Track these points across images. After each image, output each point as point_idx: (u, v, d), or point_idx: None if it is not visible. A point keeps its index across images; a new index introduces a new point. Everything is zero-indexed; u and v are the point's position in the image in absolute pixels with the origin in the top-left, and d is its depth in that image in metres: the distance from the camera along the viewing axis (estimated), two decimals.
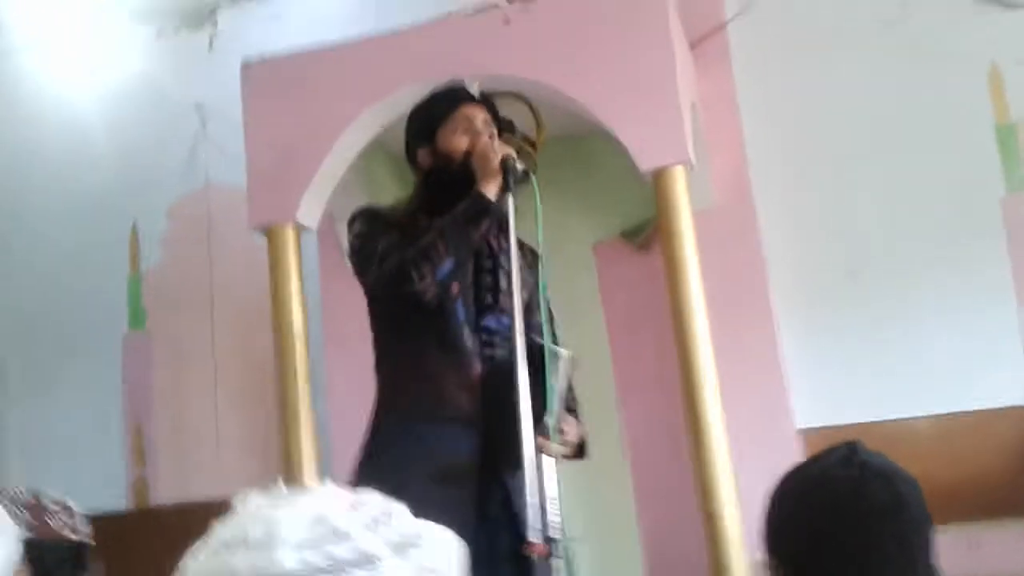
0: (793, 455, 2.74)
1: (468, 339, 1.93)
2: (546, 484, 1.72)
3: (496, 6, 2.77)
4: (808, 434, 2.84)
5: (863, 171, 3.09)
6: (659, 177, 2.38)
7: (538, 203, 1.84)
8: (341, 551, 0.53)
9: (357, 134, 2.71)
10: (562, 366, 1.80)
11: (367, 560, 0.53)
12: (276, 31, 3.64)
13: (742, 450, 2.39)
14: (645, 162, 2.38)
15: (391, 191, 3.36)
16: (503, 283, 1.96)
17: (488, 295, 1.97)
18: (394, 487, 1.93)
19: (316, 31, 3.30)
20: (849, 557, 1.07)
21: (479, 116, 2.03)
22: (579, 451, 1.95)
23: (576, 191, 3.19)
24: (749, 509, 2.20)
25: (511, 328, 1.85)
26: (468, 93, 2.08)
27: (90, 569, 1.54)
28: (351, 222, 2.03)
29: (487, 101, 2.09)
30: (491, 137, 1.98)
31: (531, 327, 1.91)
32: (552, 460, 1.77)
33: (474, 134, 1.99)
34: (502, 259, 1.97)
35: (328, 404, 3.20)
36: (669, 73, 2.42)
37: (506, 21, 2.60)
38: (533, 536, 1.62)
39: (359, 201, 3.20)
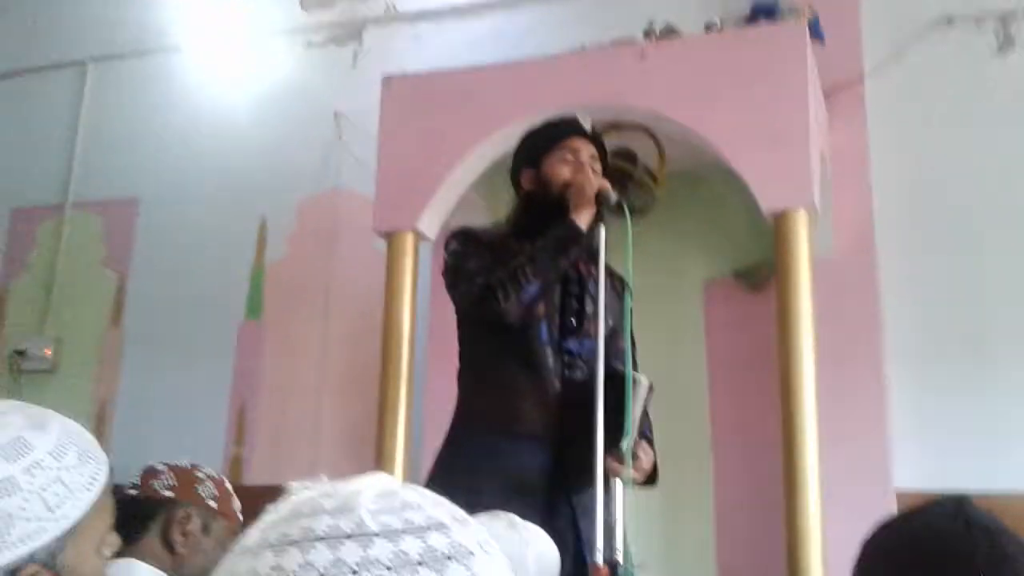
0: (887, 514, 2.65)
1: (549, 359, 1.96)
2: (614, 508, 1.73)
3: (632, 40, 2.83)
4: (906, 497, 2.74)
5: (990, 237, 3.00)
6: (781, 219, 2.37)
7: (629, 235, 1.88)
8: (414, 516, 0.55)
9: (484, 154, 2.80)
10: (640, 392, 1.82)
11: (439, 525, 0.55)
12: (417, 52, 3.79)
13: (835, 505, 2.33)
14: (768, 203, 2.38)
15: (510, 209, 3.44)
16: (588, 308, 2.00)
17: (573, 319, 2.00)
18: (465, 496, 1.97)
19: (455, 55, 3.44)
20: None
21: (586, 150, 2.08)
22: (651, 479, 1.95)
23: (692, 228, 3.19)
24: (834, 565, 2.15)
25: (593, 352, 1.90)
26: (580, 126, 2.13)
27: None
28: (448, 240, 2.11)
29: (597, 138, 2.14)
30: (593, 172, 2.04)
31: (614, 354, 1.95)
32: (622, 485, 1.78)
33: (577, 165, 2.05)
34: (590, 285, 2.01)
35: (425, 411, 3.28)
36: (801, 118, 2.42)
37: (642, 56, 2.65)
38: (597, 558, 1.62)
39: (480, 218, 3.30)
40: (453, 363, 3.33)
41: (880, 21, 3.18)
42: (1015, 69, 3.10)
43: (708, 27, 2.77)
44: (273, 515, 0.56)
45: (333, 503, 0.55)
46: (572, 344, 1.98)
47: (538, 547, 1.42)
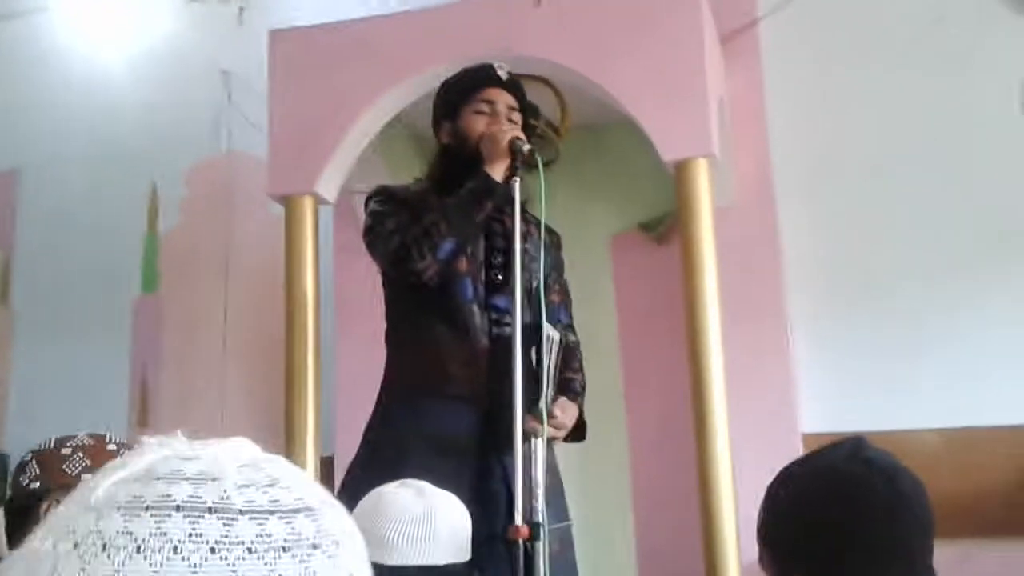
0: (795, 457, 2.73)
1: (476, 316, 1.94)
2: (534, 467, 1.71)
3: None
4: (812, 438, 2.82)
5: (888, 178, 3.06)
6: (682, 169, 2.37)
7: (542, 186, 1.84)
8: (282, 495, 0.51)
9: (381, 110, 2.71)
10: (552, 348, 1.80)
11: (307, 509, 0.52)
12: (306, 6, 3.63)
13: (744, 449, 2.38)
14: (668, 153, 2.37)
15: (411, 169, 3.34)
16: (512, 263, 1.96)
17: (499, 273, 1.97)
18: (395, 458, 1.94)
19: (346, 7, 3.30)
20: (847, 551, 1.06)
21: (502, 99, 2.04)
22: (578, 434, 1.95)
23: (596, 181, 3.18)
24: (746, 508, 2.19)
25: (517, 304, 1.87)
26: (496, 75, 2.07)
27: None
28: (367, 201, 2.06)
29: (515, 85, 2.09)
30: (510, 122, 2.00)
31: (548, 309, 1.93)
32: (542, 443, 1.76)
33: (493, 117, 2.01)
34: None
35: (336, 377, 3.21)
36: (698, 65, 2.40)
37: (536, 3, 2.59)
38: (517, 519, 1.61)
39: (379, 177, 3.21)
40: (362, 327, 3.28)
41: None
42: (906, 6, 3.14)
43: None
44: (123, 470, 0.51)
45: (194, 468, 0.51)
46: (499, 300, 1.95)
47: (447, 514, 1.40)
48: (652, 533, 3.00)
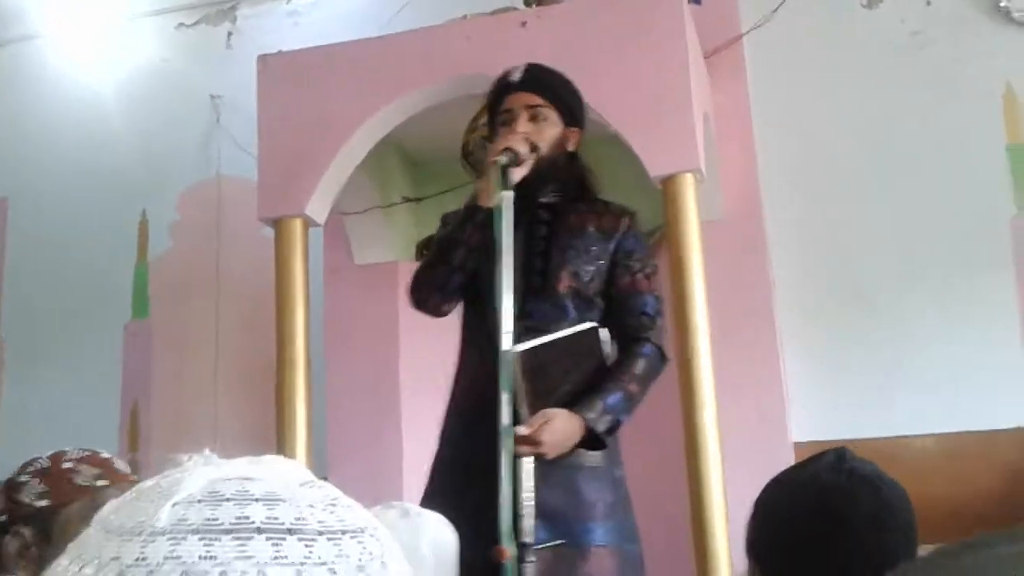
0: (785, 467, 2.74)
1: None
2: (523, 488, 1.67)
3: (513, 9, 2.79)
4: (804, 447, 2.83)
5: (873, 189, 3.10)
6: (669, 184, 2.38)
7: (501, 196, 1.77)
8: (346, 515, 0.51)
9: (370, 131, 2.72)
10: (514, 366, 1.72)
11: (372, 527, 0.51)
12: (294, 30, 3.67)
13: (735, 459, 2.38)
14: (655, 168, 2.39)
15: (402, 189, 3.37)
16: (556, 261, 1.93)
17: (538, 278, 1.92)
18: (430, 487, 1.89)
19: (334, 31, 3.33)
20: (831, 563, 1.06)
21: (519, 103, 1.97)
22: (594, 444, 1.84)
23: None
24: (737, 518, 2.19)
25: (548, 313, 1.87)
26: (507, 81, 2.01)
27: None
28: None
29: (533, 82, 1.99)
30: (533, 119, 1.94)
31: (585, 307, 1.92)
32: (527, 463, 1.70)
33: (511, 125, 1.95)
34: (557, 239, 1.95)
35: (327, 400, 3.21)
36: (683, 81, 2.43)
37: (522, 24, 2.62)
38: (504, 541, 1.57)
39: (367, 198, 3.23)
40: (352, 349, 3.29)
41: None
42: (883, 19, 3.19)
43: None
44: (179, 493, 0.48)
45: (261, 489, 0.49)
46: (536, 306, 1.89)
47: (433, 534, 1.39)
48: (645, 543, 2.99)
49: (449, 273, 1.90)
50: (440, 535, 1.41)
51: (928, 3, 3.16)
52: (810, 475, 1.12)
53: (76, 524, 1.37)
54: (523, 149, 1.85)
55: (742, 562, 1.22)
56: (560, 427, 1.77)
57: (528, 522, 1.64)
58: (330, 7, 3.73)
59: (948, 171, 3.04)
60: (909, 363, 2.95)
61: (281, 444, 2.57)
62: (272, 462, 0.53)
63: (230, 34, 3.84)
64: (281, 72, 2.79)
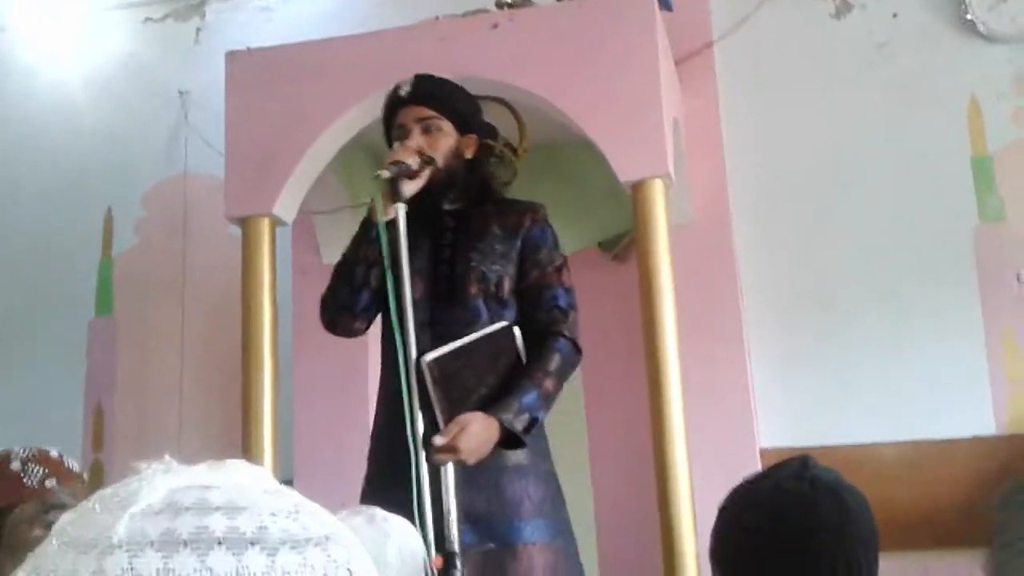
0: (752, 473, 2.76)
1: (418, 337, 1.82)
2: (447, 495, 1.67)
3: (485, 11, 2.79)
4: (770, 454, 2.85)
5: (840, 198, 3.13)
6: (638, 189, 2.39)
7: (379, 205, 1.79)
8: (310, 523, 0.50)
9: (339, 131, 2.71)
10: (426, 372, 1.73)
11: (336, 535, 0.50)
12: (265, 26, 3.63)
13: (702, 464, 2.40)
14: (625, 173, 2.40)
15: (369, 190, 3.35)
16: (461, 268, 1.93)
17: (444, 284, 1.93)
18: (366, 486, 1.87)
19: (304, 29, 3.30)
20: (793, 570, 1.07)
21: (410, 116, 1.98)
22: (508, 443, 1.82)
23: (554, 200, 3.17)
24: (705, 523, 2.21)
25: (461, 319, 1.86)
26: (398, 96, 2.01)
27: None
28: None
29: (423, 95, 2.00)
30: (425, 132, 1.95)
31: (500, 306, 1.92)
32: (450, 470, 1.70)
33: (404, 139, 1.96)
34: (461, 248, 1.96)
35: (294, 401, 3.19)
36: (653, 87, 2.44)
37: (494, 26, 2.61)
38: (431, 550, 1.56)
39: (336, 198, 3.21)
40: (320, 351, 3.27)
41: None
42: (851, 30, 3.23)
43: None
44: (137, 503, 0.47)
45: (221, 498, 0.48)
46: (440, 313, 1.90)
47: (399, 539, 1.39)
48: (614, 549, 3.01)
49: (352, 293, 1.91)
50: (407, 541, 1.40)
51: (895, 15, 3.20)
52: (773, 483, 1.13)
53: (26, 526, 1.36)
54: (411, 161, 1.85)
55: (709, 567, 1.23)
56: (476, 431, 1.76)
57: (453, 530, 1.63)
58: (301, 4, 3.70)
59: (913, 181, 3.08)
60: (875, 370, 2.98)
61: (247, 446, 2.55)
62: (234, 468, 0.52)
63: (199, 29, 3.79)
64: (250, 69, 2.76)
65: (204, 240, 3.55)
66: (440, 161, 1.93)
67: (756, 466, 2.79)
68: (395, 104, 2.01)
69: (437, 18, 2.86)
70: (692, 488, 2.27)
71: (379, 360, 3.21)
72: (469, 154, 2.02)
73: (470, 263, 1.93)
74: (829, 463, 1.20)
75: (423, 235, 1.94)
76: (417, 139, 1.94)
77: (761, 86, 3.23)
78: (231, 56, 2.78)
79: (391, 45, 2.70)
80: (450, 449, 1.71)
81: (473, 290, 1.91)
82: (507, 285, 1.95)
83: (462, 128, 2.01)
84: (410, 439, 1.61)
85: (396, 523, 1.41)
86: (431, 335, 1.85)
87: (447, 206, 2.00)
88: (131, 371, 3.58)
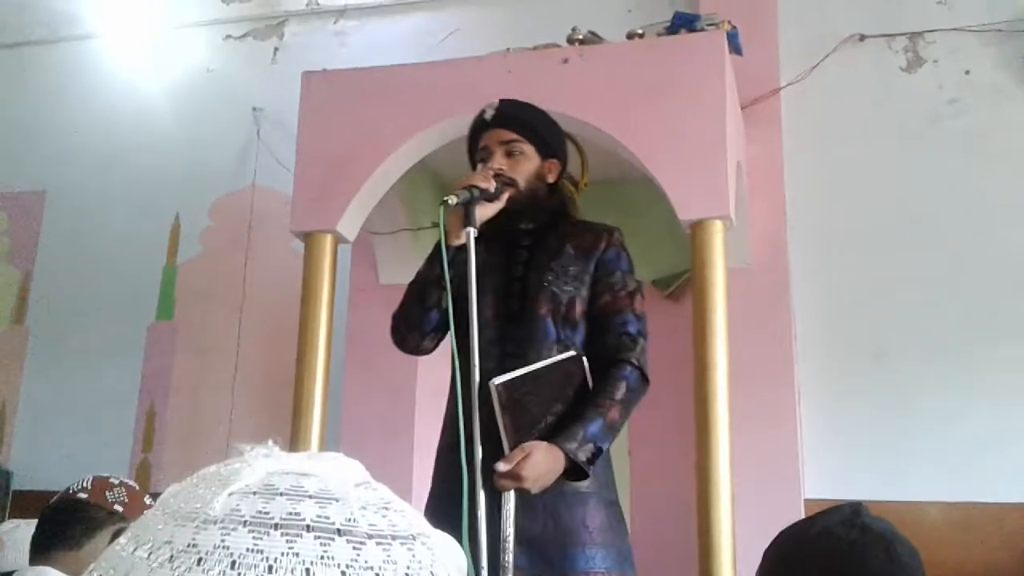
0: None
1: (486, 354, 1.82)
2: (506, 522, 1.66)
3: (556, 45, 2.83)
4: (814, 504, 2.80)
5: (901, 252, 3.10)
6: (697, 229, 2.40)
7: (442, 231, 1.77)
8: (398, 520, 0.50)
9: (406, 155, 2.76)
10: (494, 397, 1.71)
11: (422, 535, 0.51)
12: (340, 50, 3.74)
13: (746, 512, 2.37)
14: (685, 212, 2.40)
15: (431, 214, 3.41)
16: (534, 285, 1.92)
17: (516, 303, 1.92)
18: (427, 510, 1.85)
19: (378, 54, 3.39)
20: None
21: (493, 139, 1.98)
22: (575, 474, 1.79)
23: None
24: (745, 569, 2.18)
25: (529, 338, 1.84)
26: (482, 119, 2.02)
27: None
28: None
29: (505, 119, 2.00)
30: (508, 155, 1.96)
31: (572, 328, 1.88)
32: (511, 496, 1.69)
33: (486, 162, 1.97)
34: (534, 267, 1.94)
35: (342, 416, 3.23)
36: (718, 129, 2.45)
37: (564, 61, 2.65)
38: (483, 574, 1.54)
39: (396, 219, 3.27)
40: (370, 366, 3.31)
41: (796, 37, 3.26)
42: (921, 85, 3.21)
43: (630, 36, 2.79)
44: (236, 482, 0.49)
45: (315, 486, 0.49)
46: (511, 331, 1.88)
47: (443, 558, 1.39)
48: None
49: (423, 313, 1.90)
50: (450, 559, 1.41)
51: (967, 72, 3.18)
52: (822, 528, 1.11)
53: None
54: (486, 186, 1.84)
55: None
56: (540, 460, 1.74)
57: (509, 557, 1.62)
58: (376, 30, 3.79)
59: (976, 239, 3.04)
60: (926, 428, 2.93)
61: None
62: (332, 459, 0.53)
63: (276, 49, 3.91)
64: (324, 90, 2.84)
65: (266, 253, 3.63)
66: (522, 184, 1.94)
67: (800, 515, 2.75)
68: (480, 127, 2.02)
69: (508, 50, 2.92)
70: (734, 534, 2.24)
71: (427, 380, 3.28)
72: (552, 178, 2.02)
73: (542, 283, 1.91)
74: None
75: (498, 254, 1.94)
76: (499, 161, 1.94)
77: (826, 135, 3.22)
78: (307, 76, 2.87)
79: (461, 74, 2.75)
80: (513, 476, 1.70)
81: (543, 310, 1.89)
82: (579, 307, 1.91)
83: (544, 152, 2.01)
84: (464, 461, 1.59)
85: (440, 541, 1.41)
86: (499, 353, 1.84)
87: (524, 226, 1.99)
88: (186, 376, 3.66)
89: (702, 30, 2.66)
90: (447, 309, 1.76)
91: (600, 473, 1.86)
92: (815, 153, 3.20)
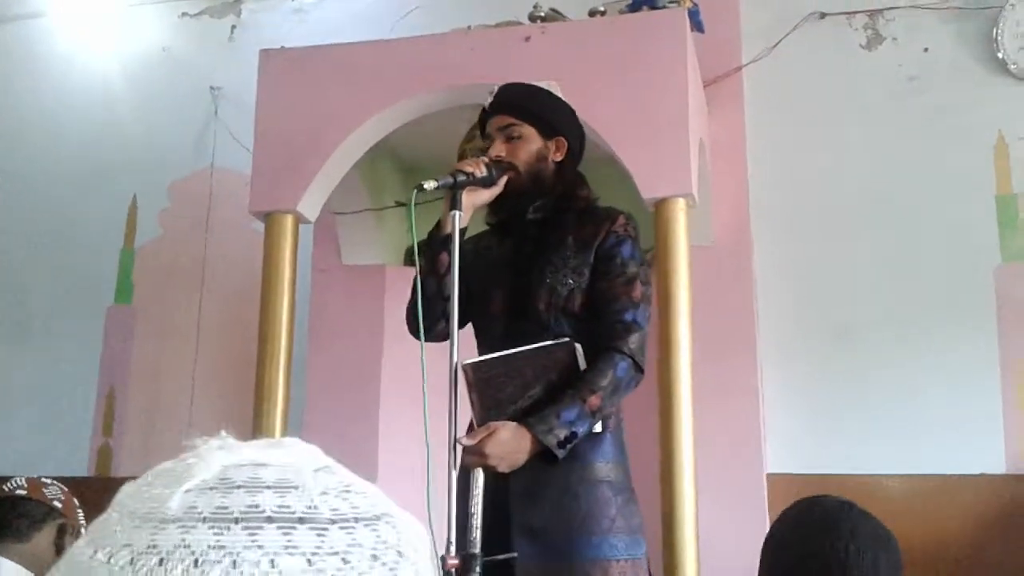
0: (758, 497, 2.75)
1: (495, 349, 1.85)
2: (472, 498, 1.66)
3: (518, 23, 2.81)
4: (777, 478, 2.85)
5: (862, 229, 3.13)
6: (660, 208, 2.40)
7: (411, 216, 1.76)
8: (360, 502, 0.50)
9: (367, 133, 2.73)
10: (460, 375, 1.73)
11: (386, 515, 0.50)
12: (298, 27, 3.68)
13: (709, 484, 2.39)
14: (648, 191, 2.41)
15: (393, 193, 3.38)
16: (537, 282, 1.92)
17: (518, 298, 1.92)
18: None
19: (338, 31, 3.34)
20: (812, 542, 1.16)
21: (494, 125, 1.98)
22: (547, 456, 1.79)
23: None
24: (707, 542, 2.21)
25: (535, 332, 1.85)
26: (484, 109, 2.02)
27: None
28: None
29: (503, 105, 1.99)
30: (508, 140, 1.94)
31: (569, 315, 1.88)
32: (479, 475, 1.69)
33: (490, 148, 1.96)
34: (537, 261, 1.94)
35: (307, 398, 3.20)
36: (681, 107, 2.45)
37: (526, 38, 2.63)
38: (451, 550, 1.55)
39: (359, 199, 3.23)
40: (335, 348, 3.29)
41: (758, 15, 3.27)
42: (881, 62, 3.24)
43: (592, 13, 2.78)
44: (191, 479, 0.48)
45: (273, 475, 0.48)
46: (515, 326, 1.90)
47: (408, 536, 1.39)
48: None
49: (428, 303, 1.88)
50: (417, 538, 1.40)
51: (926, 50, 3.21)
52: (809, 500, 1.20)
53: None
54: (472, 170, 1.83)
55: None
56: (505, 439, 1.74)
57: (475, 534, 1.62)
58: (336, 7, 3.74)
59: (936, 217, 3.08)
60: (888, 402, 2.97)
61: (256, 435, 2.56)
62: (289, 446, 0.52)
63: (234, 27, 3.84)
64: (282, 68, 2.79)
65: (226, 234, 3.58)
66: (522, 167, 1.92)
67: (762, 489, 2.78)
68: (484, 117, 2.02)
69: (469, 27, 2.89)
70: (697, 506, 2.26)
71: (392, 361, 3.27)
72: (557, 156, 1.98)
73: (544, 278, 1.91)
74: (835, 492, 1.24)
75: (507, 246, 1.96)
76: (499, 148, 1.93)
77: (788, 112, 3.24)
78: (265, 54, 2.82)
79: (422, 52, 2.72)
80: (476, 452, 1.71)
81: (542, 305, 1.89)
82: (579, 298, 1.90)
83: (546, 132, 1.98)
84: (426, 440, 1.60)
85: (405, 519, 1.41)
86: (505, 347, 1.83)
87: (531, 215, 1.97)
88: (146, 359, 3.61)
89: (664, 8, 2.65)
90: (447, 297, 1.77)
91: (611, 460, 1.88)
92: (777, 130, 3.21)
